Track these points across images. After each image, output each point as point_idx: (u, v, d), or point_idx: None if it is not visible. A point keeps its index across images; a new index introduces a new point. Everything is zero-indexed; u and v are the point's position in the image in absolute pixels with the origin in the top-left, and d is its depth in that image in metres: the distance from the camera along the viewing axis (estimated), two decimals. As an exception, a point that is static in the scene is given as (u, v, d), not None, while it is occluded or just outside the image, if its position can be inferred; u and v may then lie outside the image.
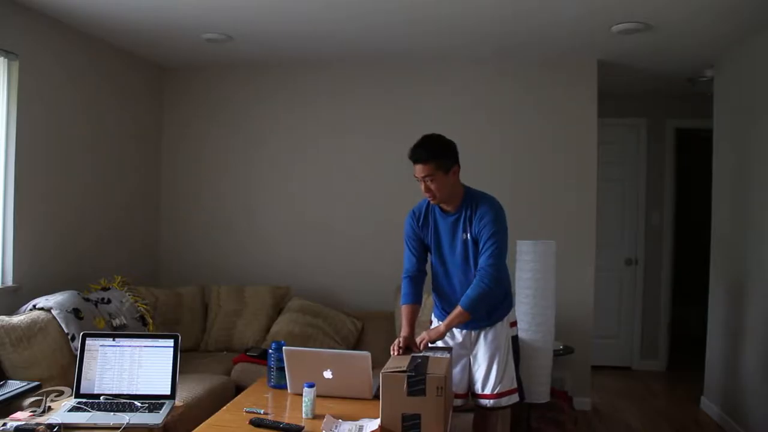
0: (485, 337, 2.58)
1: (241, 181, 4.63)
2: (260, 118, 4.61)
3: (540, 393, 3.48)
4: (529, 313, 3.44)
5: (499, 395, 2.56)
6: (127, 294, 3.58)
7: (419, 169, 2.46)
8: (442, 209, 2.58)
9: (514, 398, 2.60)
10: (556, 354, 3.75)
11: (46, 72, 3.51)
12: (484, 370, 2.56)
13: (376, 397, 2.39)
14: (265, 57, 4.37)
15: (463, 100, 4.38)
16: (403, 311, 2.61)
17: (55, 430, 2.19)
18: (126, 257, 4.30)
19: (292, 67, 4.54)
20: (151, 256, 4.64)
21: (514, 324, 2.68)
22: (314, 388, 2.21)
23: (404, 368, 2.09)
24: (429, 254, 2.67)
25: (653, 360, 5.48)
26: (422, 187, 2.49)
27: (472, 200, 2.53)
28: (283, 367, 2.47)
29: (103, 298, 3.41)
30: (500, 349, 2.57)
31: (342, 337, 3.90)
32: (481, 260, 2.45)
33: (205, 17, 3.55)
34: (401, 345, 2.43)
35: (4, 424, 2.23)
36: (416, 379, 2.04)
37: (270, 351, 2.61)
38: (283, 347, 2.46)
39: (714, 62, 4.23)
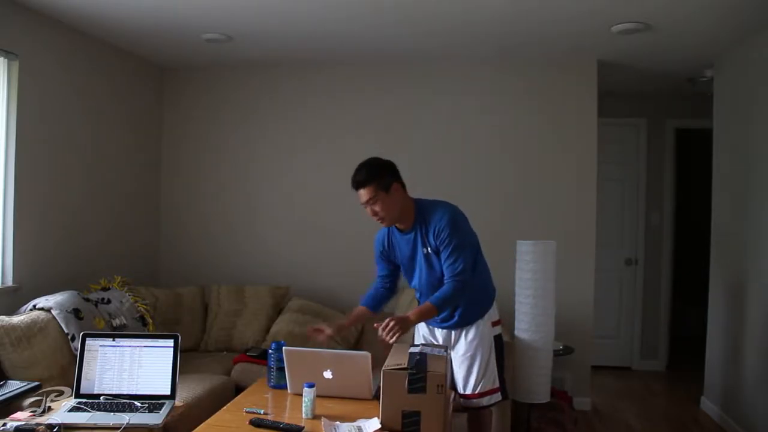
0: (465, 336, 2.60)
1: (240, 180, 4.63)
2: (260, 119, 4.61)
3: (540, 393, 3.48)
4: (529, 313, 3.44)
5: (480, 395, 2.58)
6: (127, 294, 3.58)
7: (361, 195, 2.48)
8: (398, 228, 2.60)
9: (496, 397, 2.62)
10: (556, 354, 3.75)
11: (46, 72, 3.52)
12: (465, 369, 2.58)
13: (376, 397, 2.40)
14: (265, 57, 4.37)
15: (463, 101, 4.38)
16: (356, 309, 2.71)
17: (55, 430, 2.19)
18: (126, 257, 4.30)
19: (292, 67, 4.54)
20: (151, 256, 4.64)
21: (497, 323, 2.67)
22: (314, 388, 2.21)
23: (405, 365, 2.09)
24: (400, 270, 2.73)
25: (653, 360, 5.48)
26: (369, 212, 2.51)
27: (423, 214, 2.53)
28: (283, 367, 2.47)
29: (103, 298, 3.41)
30: (481, 348, 2.58)
31: (342, 337, 3.90)
32: (447, 272, 2.46)
33: (205, 17, 3.55)
34: (325, 330, 2.52)
35: (4, 424, 2.22)
36: (417, 376, 2.04)
37: (270, 351, 2.61)
38: (283, 347, 2.46)
39: (714, 62, 4.23)
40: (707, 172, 4.40)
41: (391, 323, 2.29)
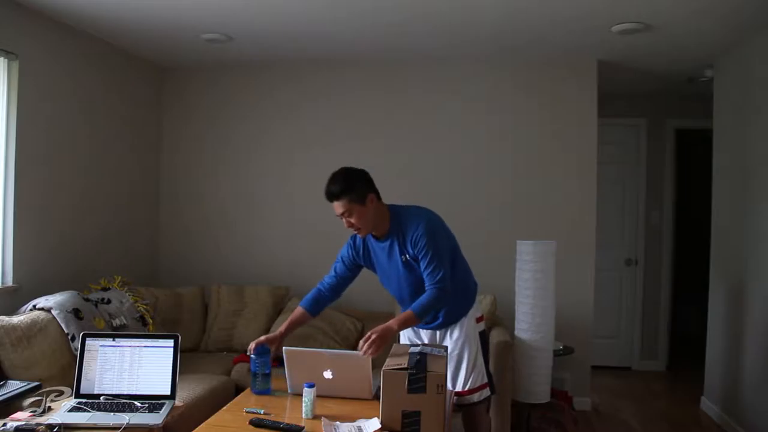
0: (450, 335, 2.61)
1: (240, 181, 4.63)
2: (260, 119, 4.61)
3: (540, 393, 3.48)
4: (529, 313, 3.44)
5: (470, 392, 2.59)
6: (127, 294, 3.58)
7: (336, 207, 2.46)
8: (373, 236, 2.59)
9: (486, 393, 2.64)
10: (556, 354, 3.75)
11: (46, 72, 3.51)
12: (453, 367, 2.59)
13: (376, 397, 2.40)
14: (265, 57, 4.37)
15: (463, 101, 4.38)
16: (295, 311, 2.65)
17: (55, 430, 2.19)
18: (126, 257, 4.30)
19: (291, 68, 4.54)
20: (151, 256, 4.64)
21: (480, 319, 2.69)
22: (314, 388, 2.21)
23: (405, 365, 2.10)
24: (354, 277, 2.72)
25: (653, 360, 5.48)
26: (345, 224, 2.49)
27: (400, 223, 2.51)
28: (267, 373, 2.42)
29: (103, 298, 3.41)
30: (468, 345, 2.60)
31: (342, 337, 3.90)
32: (427, 280, 2.45)
33: (205, 17, 3.55)
34: (260, 341, 2.48)
35: (4, 424, 2.22)
36: (417, 376, 2.05)
37: (252, 356, 2.45)
38: (284, 347, 2.45)
39: (714, 62, 4.23)
40: (707, 172, 4.40)
41: (373, 336, 2.27)
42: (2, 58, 3.22)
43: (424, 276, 2.46)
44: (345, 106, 4.51)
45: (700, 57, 4.16)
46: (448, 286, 2.45)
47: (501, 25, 3.60)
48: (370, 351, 2.27)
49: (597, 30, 3.62)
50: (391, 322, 2.39)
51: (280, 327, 2.61)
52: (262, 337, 2.54)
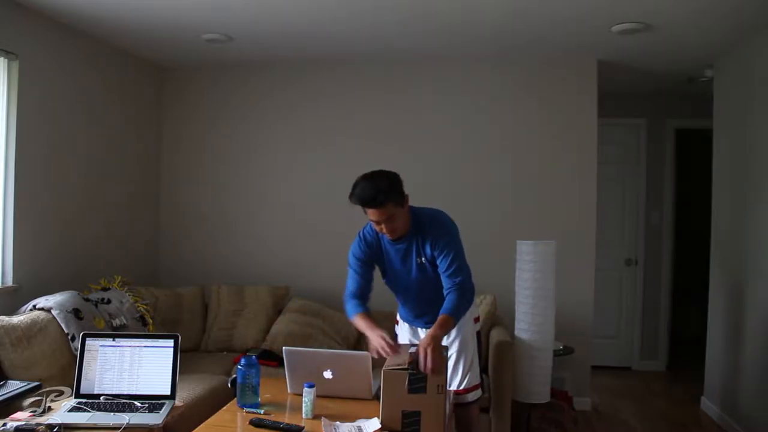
0: (449, 335, 2.59)
1: (240, 181, 4.63)
2: (260, 119, 4.61)
3: (540, 393, 3.48)
4: (529, 313, 3.44)
5: (466, 391, 2.61)
6: (127, 294, 3.58)
7: (376, 213, 2.33)
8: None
9: (478, 393, 2.66)
10: (556, 354, 3.75)
11: (46, 72, 3.51)
12: (451, 366, 2.59)
13: (376, 397, 2.40)
14: (265, 57, 4.37)
15: (463, 101, 4.38)
16: (360, 319, 2.48)
17: (55, 430, 2.19)
18: (126, 257, 4.30)
19: (292, 67, 4.54)
20: (151, 256, 4.64)
21: (477, 320, 2.72)
22: (314, 388, 2.21)
23: (405, 365, 2.09)
24: (382, 272, 2.65)
25: (653, 360, 5.48)
26: (381, 228, 2.39)
27: (420, 225, 2.47)
28: (255, 386, 2.33)
29: (103, 298, 3.41)
30: (466, 345, 2.61)
31: (342, 337, 3.90)
32: (448, 281, 2.42)
33: (205, 17, 3.55)
34: (390, 342, 2.31)
35: (4, 424, 2.22)
36: (417, 376, 2.05)
37: (240, 366, 2.33)
38: (284, 347, 2.45)
39: (714, 62, 4.23)
40: (707, 172, 4.40)
41: (429, 349, 2.10)
42: (2, 58, 3.22)
43: (444, 276, 2.43)
44: (345, 106, 4.51)
45: (700, 57, 4.16)
46: (468, 284, 2.45)
47: (501, 25, 3.60)
48: (430, 366, 2.07)
49: (597, 30, 3.62)
50: (434, 331, 2.24)
51: (377, 331, 2.38)
52: (391, 342, 2.33)
